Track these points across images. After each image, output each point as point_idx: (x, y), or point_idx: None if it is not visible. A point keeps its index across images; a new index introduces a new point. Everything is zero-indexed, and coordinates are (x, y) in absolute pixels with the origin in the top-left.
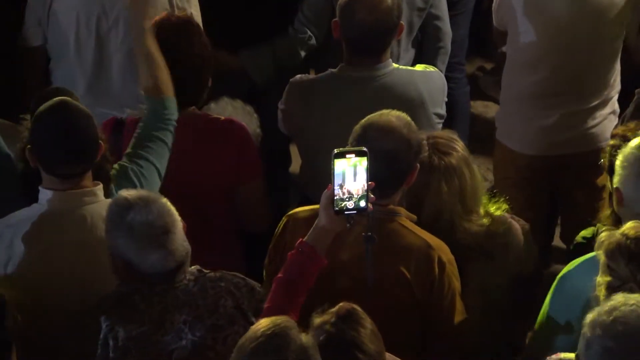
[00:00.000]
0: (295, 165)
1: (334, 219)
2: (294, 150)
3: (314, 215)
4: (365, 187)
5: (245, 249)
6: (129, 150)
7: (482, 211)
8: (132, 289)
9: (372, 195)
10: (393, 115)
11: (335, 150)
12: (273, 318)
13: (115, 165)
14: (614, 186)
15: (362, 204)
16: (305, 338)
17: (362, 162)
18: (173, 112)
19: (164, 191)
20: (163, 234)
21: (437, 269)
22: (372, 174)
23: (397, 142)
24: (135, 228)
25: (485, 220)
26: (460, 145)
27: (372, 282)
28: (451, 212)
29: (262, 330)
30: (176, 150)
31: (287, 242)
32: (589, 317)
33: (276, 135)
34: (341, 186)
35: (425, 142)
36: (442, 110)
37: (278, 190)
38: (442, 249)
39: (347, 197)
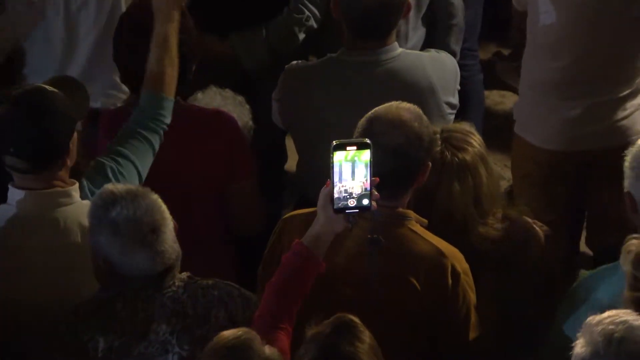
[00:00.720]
0: (292, 162)
1: (333, 219)
2: (290, 145)
3: (313, 218)
4: (369, 184)
5: (236, 256)
6: (109, 145)
7: (499, 213)
8: (113, 294)
9: (376, 193)
10: (403, 108)
11: (334, 142)
12: (234, 330)
13: (92, 161)
14: (625, 190)
15: (365, 202)
16: (269, 351)
17: (365, 155)
18: (167, 115)
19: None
20: (151, 232)
21: (450, 280)
22: (379, 172)
23: (407, 137)
24: (121, 225)
25: (503, 224)
26: (476, 140)
27: (376, 290)
28: (464, 215)
29: (222, 343)
30: (161, 145)
31: (284, 249)
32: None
33: (270, 129)
34: (341, 182)
35: (438, 136)
36: (455, 99)
37: (272, 190)
38: (456, 257)
39: (348, 194)
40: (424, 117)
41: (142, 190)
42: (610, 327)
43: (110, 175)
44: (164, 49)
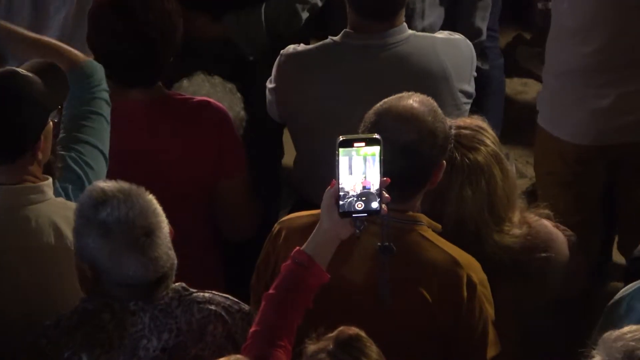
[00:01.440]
0: (289, 158)
1: (339, 223)
2: (287, 139)
3: (314, 222)
4: (379, 184)
5: (225, 264)
6: (62, 135)
7: (517, 217)
8: (100, 305)
9: (386, 195)
10: (415, 100)
11: (341, 138)
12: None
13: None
14: None
15: (375, 205)
16: None
17: (375, 153)
18: (98, 77)
19: None
20: (145, 236)
21: (465, 292)
22: (389, 171)
23: (420, 133)
24: (111, 226)
25: (521, 230)
26: (489, 137)
27: (387, 303)
28: (476, 222)
29: None
30: (137, 140)
31: (280, 257)
32: None
33: (266, 120)
34: (348, 182)
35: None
36: (471, 87)
37: (268, 189)
38: (472, 267)
39: (355, 196)
40: (439, 111)
41: (136, 190)
42: (631, 343)
43: (74, 165)
44: (39, 48)
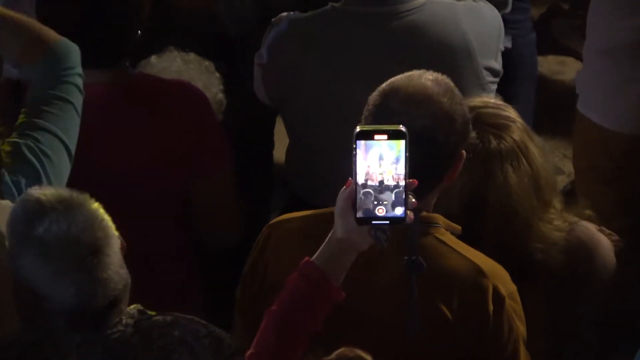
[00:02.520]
0: (281, 149)
1: (356, 231)
2: (279, 128)
3: (312, 224)
4: (403, 186)
5: (204, 277)
6: (19, 120)
7: (559, 203)
8: (40, 336)
9: (413, 200)
10: (428, 78)
11: (358, 128)
12: None
13: (4, 145)
14: None
15: (399, 211)
16: None
17: (399, 148)
18: (72, 59)
19: (80, 190)
20: (91, 255)
21: (491, 306)
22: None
23: (434, 118)
24: (50, 245)
25: (564, 224)
26: (513, 112)
27: (415, 331)
28: (526, 211)
29: None
30: (94, 130)
31: (270, 266)
32: None
33: (252, 105)
34: (366, 183)
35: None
36: (497, 64)
37: (256, 187)
38: (498, 277)
39: (375, 200)
40: (456, 91)
41: (78, 198)
42: None
43: (30, 155)
44: (9, 25)
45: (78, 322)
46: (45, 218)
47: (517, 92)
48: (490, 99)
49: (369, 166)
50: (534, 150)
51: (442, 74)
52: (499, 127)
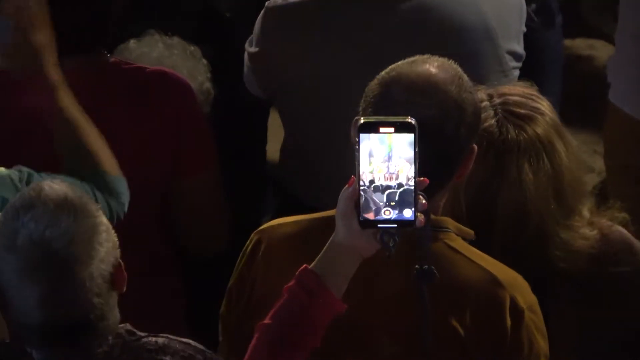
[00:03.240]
0: (275, 145)
1: (359, 235)
2: (272, 122)
3: (305, 230)
4: (413, 185)
5: (187, 288)
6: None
7: (587, 211)
8: (10, 354)
9: (423, 201)
10: (433, 64)
11: (362, 120)
12: None
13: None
14: None
15: (408, 213)
16: None
17: (407, 143)
18: (119, 200)
19: None
20: (58, 267)
21: (509, 320)
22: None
23: (441, 108)
24: (19, 242)
25: (592, 232)
26: (544, 105)
27: (428, 347)
28: (541, 215)
29: None
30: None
31: (258, 278)
32: None
33: (243, 95)
34: (371, 182)
35: (487, 104)
36: (520, 47)
37: (245, 187)
38: (517, 287)
39: (381, 200)
40: (465, 78)
41: (85, 205)
42: None
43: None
44: (72, 128)
45: (48, 337)
46: (29, 211)
47: (541, 80)
48: (523, 88)
49: (373, 163)
50: (560, 149)
51: (460, 60)
52: (522, 117)
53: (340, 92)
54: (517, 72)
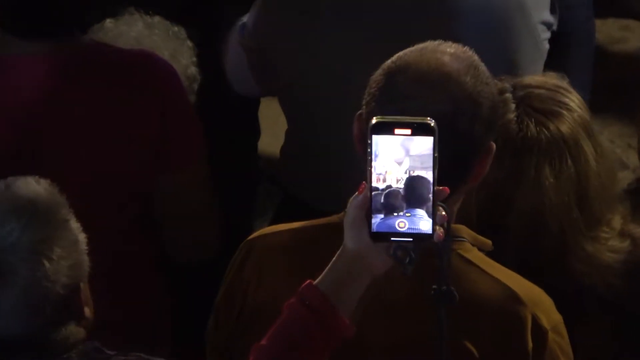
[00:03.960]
0: (268, 138)
1: (371, 249)
2: (266, 112)
3: (305, 239)
4: (431, 195)
5: (172, 299)
6: None
7: (618, 222)
8: None
9: (443, 213)
10: (446, 52)
11: (374, 120)
12: None
13: None
14: None
15: (425, 225)
16: None
17: (425, 147)
18: None
19: None
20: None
21: (530, 342)
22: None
23: (455, 102)
24: None
25: (622, 244)
26: (574, 99)
27: None
28: (561, 223)
29: None
30: (36, 112)
31: (250, 291)
32: None
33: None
34: (384, 189)
35: (509, 96)
36: (551, 17)
37: (236, 185)
38: (540, 304)
39: (395, 211)
40: (481, 67)
41: (47, 209)
42: None
43: None
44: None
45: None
46: None
47: (569, 66)
48: (551, 79)
49: (387, 168)
50: (587, 150)
51: (490, 32)
52: (546, 112)
53: (351, 79)
54: (547, 45)
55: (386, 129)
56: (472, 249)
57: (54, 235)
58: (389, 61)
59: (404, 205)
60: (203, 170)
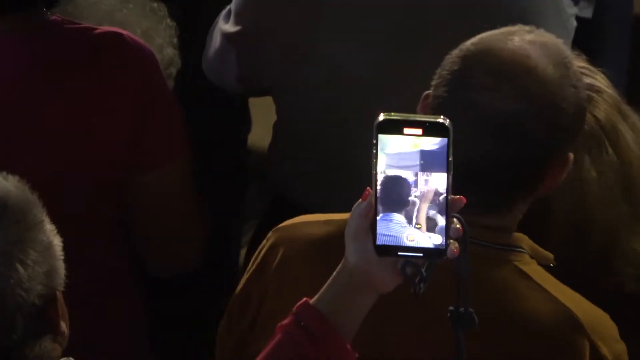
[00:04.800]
0: (259, 132)
1: (377, 265)
2: (256, 102)
3: (336, 236)
4: (444, 203)
5: (148, 314)
6: None
7: None
8: None
9: (458, 226)
10: (535, 41)
11: (382, 117)
12: None
13: None
14: None
15: (437, 239)
16: None
17: (438, 149)
18: None
19: None
20: None
21: None
22: (472, 160)
23: (532, 102)
24: None
25: None
26: (600, 80)
27: None
28: (610, 221)
29: None
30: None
31: (271, 291)
32: None
33: None
34: (391, 195)
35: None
36: (575, 8)
37: (222, 185)
38: (601, 330)
39: (404, 221)
40: (574, 66)
41: (19, 208)
42: None
43: None
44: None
45: None
46: None
47: (603, 46)
48: (579, 62)
49: (394, 172)
50: (626, 135)
51: (514, 12)
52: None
53: (358, 73)
54: (574, 22)
55: (394, 127)
56: (531, 262)
57: (27, 237)
58: (468, 42)
59: (381, 209)
60: (183, 168)
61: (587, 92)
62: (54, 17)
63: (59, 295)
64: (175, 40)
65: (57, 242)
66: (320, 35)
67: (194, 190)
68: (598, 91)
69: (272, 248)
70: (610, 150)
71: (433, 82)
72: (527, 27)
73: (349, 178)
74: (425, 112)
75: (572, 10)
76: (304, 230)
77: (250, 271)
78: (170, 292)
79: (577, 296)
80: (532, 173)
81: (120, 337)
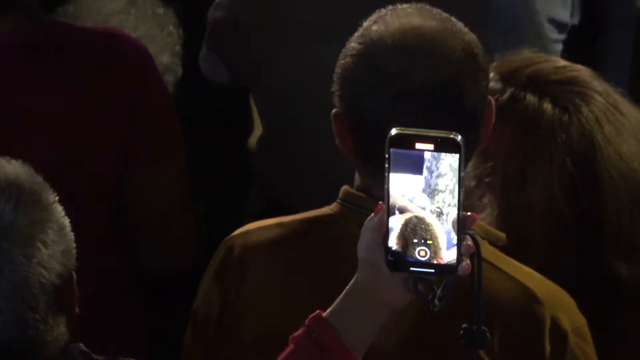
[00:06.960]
0: (260, 132)
1: (389, 281)
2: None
3: (291, 233)
4: (455, 219)
5: (144, 313)
6: None
7: None
8: None
9: (469, 242)
10: (408, 12)
11: (394, 132)
12: None
13: None
14: None
15: (450, 256)
16: None
17: (450, 165)
18: None
19: None
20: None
21: (548, 346)
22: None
23: (453, 62)
24: None
25: None
26: (579, 69)
27: None
28: (619, 213)
29: None
30: None
31: (231, 294)
32: None
33: None
34: (402, 211)
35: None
36: (566, 12)
37: (223, 188)
38: (559, 304)
39: (417, 238)
40: (452, 18)
41: (33, 189)
42: None
43: None
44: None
45: None
46: None
47: (605, 47)
48: (532, 55)
49: (406, 187)
50: (621, 120)
51: (492, 29)
52: (575, 94)
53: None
54: (559, 46)
55: (407, 141)
56: (484, 243)
57: (44, 217)
58: (351, 44)
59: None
60: (178, 168)
61: (581, 89)
62: (49, 18)
63: (74, 275)
64: (177, 48)
65: (67, 223)
66: (298, 32)
67: (188, 188)
68: (587, 87)
69: (228, 253)
70: (599, 139)
71: (336, 97)
72: (389, 8)
73: (327, 177)
74: (343, 134)
75: (557, 36)
76: (258, 235)
77: (209, 278)
78: (167, 292)
79: (533, 273)
80: (473, 128)
81: (119, 337)
